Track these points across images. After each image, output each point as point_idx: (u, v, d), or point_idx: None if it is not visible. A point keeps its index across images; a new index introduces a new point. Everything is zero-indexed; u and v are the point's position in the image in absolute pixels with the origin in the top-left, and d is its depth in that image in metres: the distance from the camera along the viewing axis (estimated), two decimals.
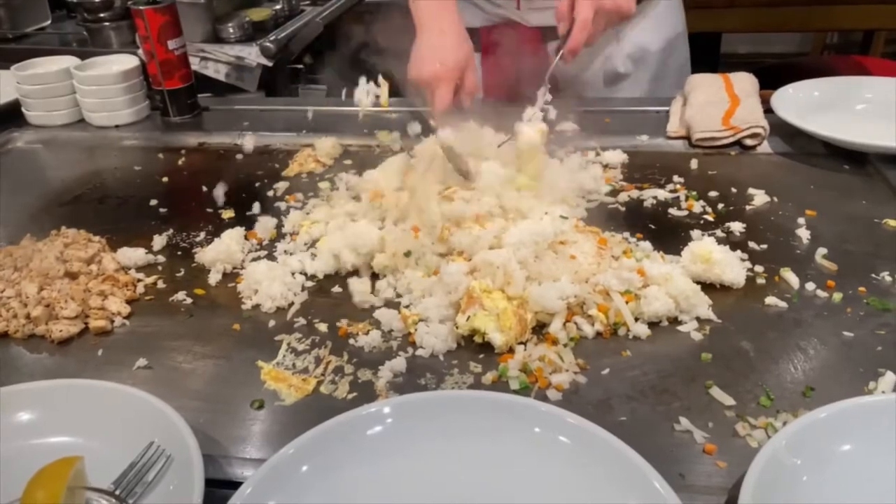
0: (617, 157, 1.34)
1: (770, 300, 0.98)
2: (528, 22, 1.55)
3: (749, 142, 1.37)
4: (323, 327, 0.98)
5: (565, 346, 0.92)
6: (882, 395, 0.80)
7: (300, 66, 2.14)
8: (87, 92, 1.62)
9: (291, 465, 0.68)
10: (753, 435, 0.78)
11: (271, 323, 0.99)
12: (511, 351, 0.91)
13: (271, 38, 1.96)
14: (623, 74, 1.62)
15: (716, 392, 0.84)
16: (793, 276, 1.02)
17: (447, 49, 1.27)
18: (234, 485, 0.70)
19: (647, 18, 1.59)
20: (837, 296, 0.98)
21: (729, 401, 0.83)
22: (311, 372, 0.90)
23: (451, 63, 1.26)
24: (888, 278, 1.01)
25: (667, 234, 1.13)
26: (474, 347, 0.93)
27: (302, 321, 0.99)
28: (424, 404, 0.76)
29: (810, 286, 1.00)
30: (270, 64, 1.94)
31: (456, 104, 1.28)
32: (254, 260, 1.11)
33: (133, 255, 1.13)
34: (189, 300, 1.05)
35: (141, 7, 1.52)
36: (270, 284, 1.03)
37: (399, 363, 0.90)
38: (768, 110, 1.40)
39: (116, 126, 1.63)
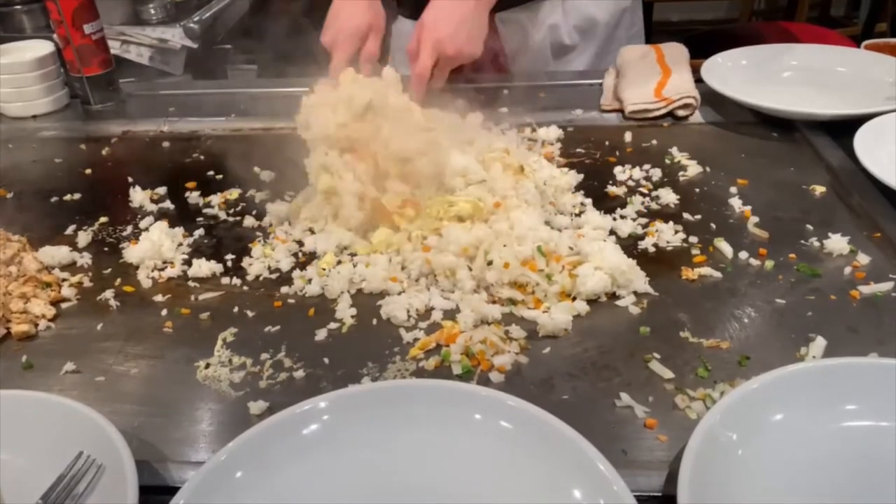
0: (552, 133, 1.34)
1: (705, 270, 0.99)
2: None
3: (681, 112, 1.38)
4: (260, 318, 0.96)
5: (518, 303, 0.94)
6: (810, 362, 0.82)
7: (228, 46, 2.07)
8: (0, 81, 1.53)
9: (225, 472, 0.66)
10: (692, 407, 0.79)
11: (205, 318, 0.96)
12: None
13: (195, 19, 1.89)
14: (570, 46, 1.61)
15: (655, 366, 0.85)
16: (726, 246, 1.03)
17: (348, 15, 1.29)
18: (172, 490, 0.68)
19: None
20: (769, 263, 1.00)
21: (668, 374, 0.84)
22: (249, 367, 0.88)
23: (350, 30, 1.26)
24: (816, 244, 1.03)
25: (603, 208, 1.13)
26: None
27: (235, 311, 0.97)
28: (361, 398, 0.74)
29: (743, 255, 1.02)
30: (196, 45, 1.87)
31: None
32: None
33: (56, 253, 1.08)
34: (118, 299, 1.01)
35: None
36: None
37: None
38: (699, 80, 1.42)
39: (33, 116, 1.55)
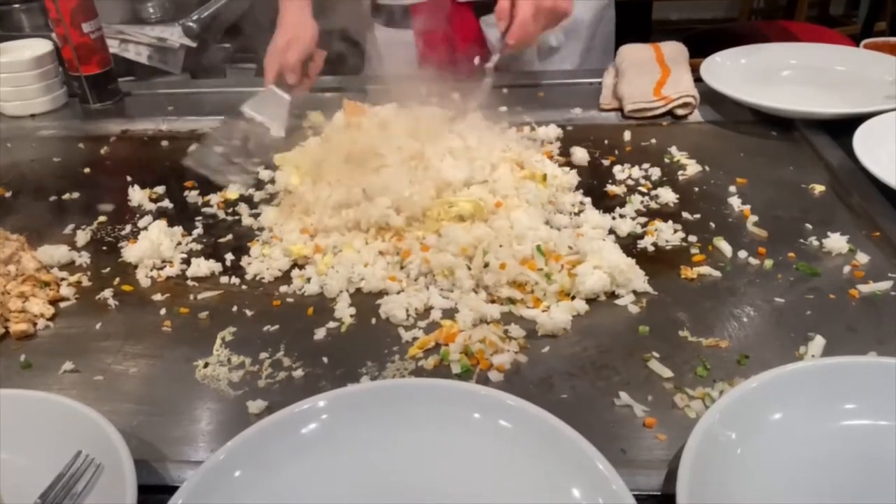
0: (552, 132, 1.34)
1: (704, 269, 0.99)
2: None
3: (680, 111, 1.38)
4: (259, 318, 0.95)
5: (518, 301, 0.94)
6: (809, 361, 0.82)
7: (227, 45, 2.07)
8: None
9: (223, 471, 0.66)
10: (692, 406, 0.79)
11: (204, 317, 0.96)
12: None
13: (194, 18, 1.88)
14: (555, 48, 1.62)
15: (654, 365, 0.85)
16: (726, 245, 1.03)
17: (274, 37, 1.40)
18: (171, 489, 0.68)
19: None
20: (768, 262, 1.00)
21: (667, 373, 0.84)
22: (248, 366, 0.88)
23: (271, 50, 1.38)
24: (815, 243, 1.03)
25: (602, 207, 1.13)
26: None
27: (234, 310, 0.97)
28: (360, 397, 0.74)
29: (742, 254, 1.02)
30: (194, 44, 1.87)
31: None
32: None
33: (55, 252, 1.08)
34: (117, 298, 1.01)
35: None
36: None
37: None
38: (698, 79, 1.42)
39: (32, 115, 1.55)
